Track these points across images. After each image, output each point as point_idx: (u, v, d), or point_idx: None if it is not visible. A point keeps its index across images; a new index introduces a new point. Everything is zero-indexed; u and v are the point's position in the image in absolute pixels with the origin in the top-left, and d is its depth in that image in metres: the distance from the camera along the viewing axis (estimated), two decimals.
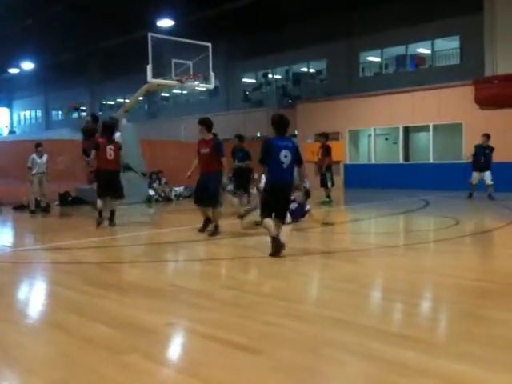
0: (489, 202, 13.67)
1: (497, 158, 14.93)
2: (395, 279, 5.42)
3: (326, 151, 14.02)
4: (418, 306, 4.51)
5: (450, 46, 22.35)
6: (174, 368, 3.12)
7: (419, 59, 24.15)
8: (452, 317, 4.22)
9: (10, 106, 49.55)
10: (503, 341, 3.45)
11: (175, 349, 3.57)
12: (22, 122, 48.58)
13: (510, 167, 16.75)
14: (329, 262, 6.36)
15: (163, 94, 34.16)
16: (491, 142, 14.78)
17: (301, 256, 6.54)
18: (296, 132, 23.32)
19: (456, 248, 7.27)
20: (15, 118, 49.71)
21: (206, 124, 8.33)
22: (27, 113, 48.00)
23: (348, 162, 22.07)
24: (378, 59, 25.14)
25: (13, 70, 35.79)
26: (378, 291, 5.15)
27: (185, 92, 32.04)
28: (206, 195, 8.17)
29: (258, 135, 25.59)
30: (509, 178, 16.13)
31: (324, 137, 14.36)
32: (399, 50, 24.11)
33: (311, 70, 28.30)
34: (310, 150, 22.56)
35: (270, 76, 29.71)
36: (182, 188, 16.97)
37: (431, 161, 19.78)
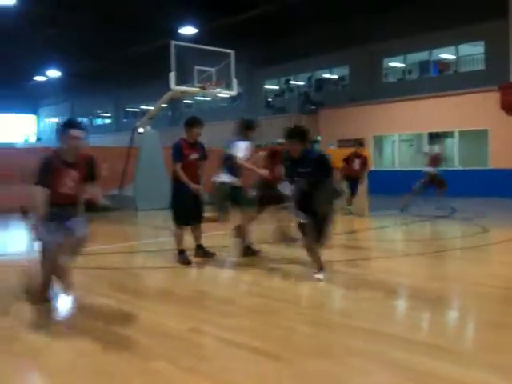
0: None
1: None
2: (421, 287, 5.37)
3: (365, 160, 13.14)
4: (444, 314, 4.46)
5: (474, 51, 22.12)
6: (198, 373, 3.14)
7: (443, 65, 23.93)
8: (479, 326, 4.17)
9: (36, 113, 50.40)
10: None
11: (199, 354, 3.59)
12: (48, 129, 49.41)
13: None
14: (352, 270, 6.32)
15: (186, 101, 34.44)
16: None
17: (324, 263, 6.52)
18: (319, 138, 23.28)
19: (483, 256, 7.19)
20: (41, 125, 50.54)
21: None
22: (54, 120, 48.80)
23: (373, 168, 21.91)
24: (401, 65, 24.99)
25: (39, 78, 36.39)
26: (404, 299, 5.11)
27: (208, 99, 32.24)
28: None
29: (280, 141, 25.59)
30: None
31: (360, 144, 13.55)
32: (422, 55, 23.93)
33: (334, 76, 28.25)
34: (335, 156, 22.54)
35: (291, 82, 29.74)
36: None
37: (457, 167, 19.56)
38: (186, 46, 14.93)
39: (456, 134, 19.56)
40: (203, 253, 6.85)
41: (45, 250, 4.39)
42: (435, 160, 12.88)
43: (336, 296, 5.26)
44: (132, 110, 39.84)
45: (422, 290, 5.24)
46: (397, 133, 21.52)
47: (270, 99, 30.26)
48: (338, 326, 4.07)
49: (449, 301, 4.98)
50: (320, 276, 5.44)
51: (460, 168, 19.25)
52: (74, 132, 4.45)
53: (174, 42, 14.29)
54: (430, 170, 12.72)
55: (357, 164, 12.85)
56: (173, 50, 14.02)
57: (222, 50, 15.08)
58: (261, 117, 27.41)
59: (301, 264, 6.18)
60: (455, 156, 19.67)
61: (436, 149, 13.96)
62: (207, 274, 6.40)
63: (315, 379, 3.02)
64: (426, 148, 16.56)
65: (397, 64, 25.13)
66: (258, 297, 4.95)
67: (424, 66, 24.22)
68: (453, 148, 19.88)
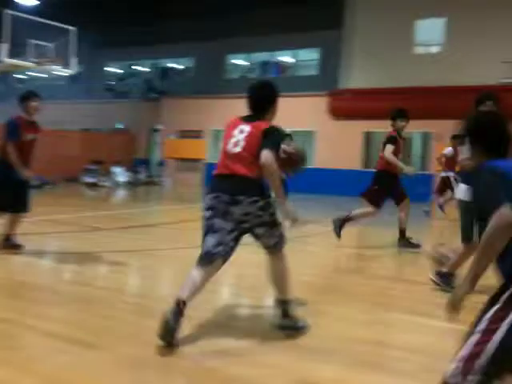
0: None
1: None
2: (241, 277, 5.67)
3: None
4: (259, 302, 4.77)
5: (310, 57, 23.65)
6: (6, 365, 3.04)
7: (283, 67, 25.23)
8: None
9: None
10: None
11: (10, 345, 3.46)
12: None
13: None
14: (168, 255, 6.44)
15: (19, 76, 31.98)
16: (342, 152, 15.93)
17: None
18: (160, 127, 23.18)
19: (300, 246, 7.78)
20: None
21: None
22: None
23: (209, 161, 22.32)
24: (244, 63, 25.84)
25: None
26: (226, 288, 5.37)
27: (44, 75, 30.29)
28: None
29: (121, 127, 25.04)
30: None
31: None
32: (265, 56, 25.03)
33: (179, 67, 28.26)
34: (172, 147, 22.62)
35: (135, 68, 29.15)
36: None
37: None
38: (22, 16, 13.96)
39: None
40: (10, 244, 6.15)
41: None
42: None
43: (164, 284, 5.36)
44: None
45: (240, 278, 5.51)
46: None
47: (111, 82, 29.33)
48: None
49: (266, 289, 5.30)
50: None
51: None
52: None
53: (7, 11, 13.28)
54: None
55: None
56: (6, 20, 13.03)
57: (62, 25, 14.35)
58: (101, 100, 26.55)
59: (128, 252, 6.18)
60: None
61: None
62: (27, 263, 6.07)
63: (129, 365, 3.09)
64: None
65: (240, 61, 25.93)
66: (80, 285, 4.87)
67: (265, 66, 25.35)
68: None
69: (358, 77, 19.17)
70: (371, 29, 18.97)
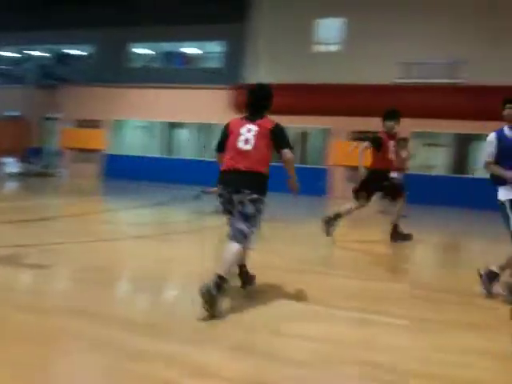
0: None
1: None
2: (143, 268, 5.58)
3: None
4: (162, 293, 4.74)
5: (216, 49, 23.58)
6: None
7: (187, 58, 24.96)
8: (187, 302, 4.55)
9: None
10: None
11: None
12: None
13: None
14: (81, 254, 6.23)
15: None
16: None
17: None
18: (57, 115, 22.19)
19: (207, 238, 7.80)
20: None
21: None
22: None
23: (111, 153, 21.72)
24: (148, 52, 25.27)
25: None
26: (125, 281, 5.26)
27: None
28: None
29: (15, 114, 23.67)
30: None
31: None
32: (169, 46, 24.61)
33: (78, 53, 27.11)
34: (69, 137, 21.73)
35: (30, 52, 27.62)
36: None
37: (190, 157, 20.70)
38: None
39: (190, 126, 20.77)
40: None
41: None
42: None
43: (60, 281, 5.15)
44: None
45: (150, 270, 5.45)
46: (138, 119, 21.78)
47: (5, 67, 27.57)
48: (57, 310, 3.99)
49: (170, 281, 5.29)
50: None
51: (193, 158, 20.45)
52: None
53: None
54: None
55: None
56: None
57: None
58: None
59: (24, 247, 5.88)
60: (188, 147, 20.87)
61: None
62: None
63: (19, 363, 2.95)
64: None
65: (143, 51, 25.34)
66: None
67: (170, 56, 24.93)
68: (186, 139, 21.05)
69: (261, 71, 19.41)
70: (275, 24, 19.28)
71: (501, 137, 5.00)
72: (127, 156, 21.59)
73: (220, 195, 4.34)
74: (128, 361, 3.09)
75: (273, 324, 3.93)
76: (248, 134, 4.28)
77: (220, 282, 3.87)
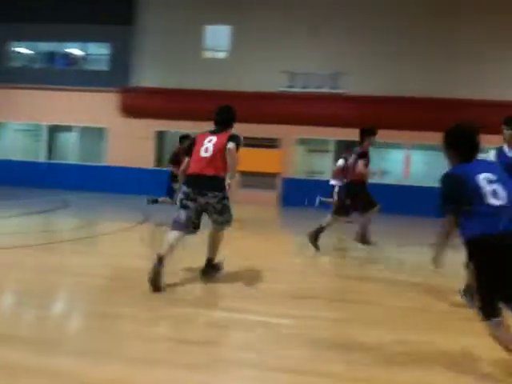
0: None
1: None
2: (25, 281, 5.36)
3: None
4: (47, 307, 4.57)
5: (100, 51, 22.92)
6: None
7: (71, 59, 24.03)
8: (85, 315, 4.45)
9: None
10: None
11: None
12: None
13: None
14: None
15: None
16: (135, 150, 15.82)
17: None
18: None
19: (90, 247, 7.60)
20: None
21: None
22: None
23: None
24: (29, 51, 24.01)
25: None
26: (15, 294, 5.04)
27: None
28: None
29: None
30: None
31: None
32: (52, 46, 23.55)
33: None
34: None
35: None
36: None
37: (75, 162, 19.94)
38: None
39: (76, 129, 20.01)
40: None
41: None
42: None
43: None
44: None
45: (32, 282, 5.22)
46: (18, 121, 20.66)
47: None
48: None
49: (57, 293, 5.10)
50: None
51: (79, 163, 19.76)
52: None
53: None
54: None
55: None
56: None
57: None
58: None
59: None
60: (74, 151, 20.11)
61: None
62: None
63: None
64: None
65: (25, 50, 24.05)
66: None
67: (53, 56, 23.87)
68: (72, 143, 20.26)
69: (149, 75, 19.25)
70: (164, 29, 19.21)
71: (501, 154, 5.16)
72: (6, 160, 20.41)
73: (184, 193, 5.27)
74: (8, 377, 2.97)
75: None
76: (208, 144, 5.25)
77: (161, 260, 4.84)
